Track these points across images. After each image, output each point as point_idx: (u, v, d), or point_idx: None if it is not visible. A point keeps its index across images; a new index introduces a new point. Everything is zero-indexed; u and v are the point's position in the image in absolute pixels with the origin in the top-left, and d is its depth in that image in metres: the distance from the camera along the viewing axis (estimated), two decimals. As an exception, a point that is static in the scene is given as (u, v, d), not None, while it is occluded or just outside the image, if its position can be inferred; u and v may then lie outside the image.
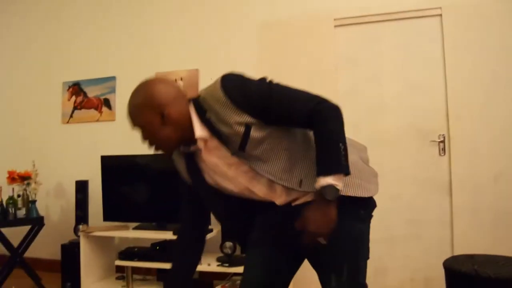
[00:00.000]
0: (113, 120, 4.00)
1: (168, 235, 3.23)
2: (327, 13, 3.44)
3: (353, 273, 1.49)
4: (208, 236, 3.16)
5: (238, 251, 3.28)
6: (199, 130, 1.45)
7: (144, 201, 3.56)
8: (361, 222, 1.53)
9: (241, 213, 1.66)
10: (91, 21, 4.15)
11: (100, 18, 4.12)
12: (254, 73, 3.75)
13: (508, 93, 3.09)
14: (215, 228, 3.27)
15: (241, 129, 1.40)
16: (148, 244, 3.41)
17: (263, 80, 1.47)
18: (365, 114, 3.38)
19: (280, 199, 1.54)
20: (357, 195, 1.47)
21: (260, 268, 1.59)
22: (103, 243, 3.53)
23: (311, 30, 3.48)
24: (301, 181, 1.46)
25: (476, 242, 3.05)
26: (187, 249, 1.73)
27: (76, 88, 4.14)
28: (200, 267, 3.12)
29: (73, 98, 4.14)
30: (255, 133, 1.41)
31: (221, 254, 3.20)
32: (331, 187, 1.32)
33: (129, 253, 3.34)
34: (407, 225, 3.25)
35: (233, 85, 1.41)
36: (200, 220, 1.76)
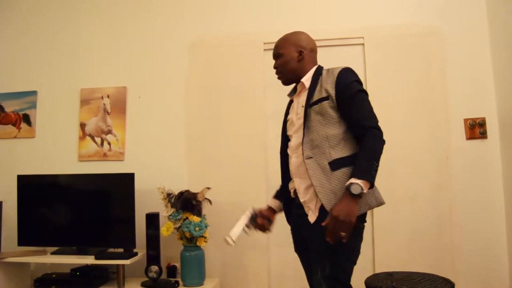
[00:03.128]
0: (33, 137, 3.77)
1: (90, 260, 3.09)
2: (257, 36, 3.52)
3: (335, 269, 1.80)
4: (133, 260, 3.06)
5: (164, 275, 3.20)
6: (306, 79, 1.99)
7: (64, 224, 3.37)
8: (360, 227, 1.86)
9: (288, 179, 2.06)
10: (13, 31, 3.91)
11: (23, 28, 3.90)
12: (183, 92, 3.75)
13: (423, 118, 3.31)
14: (140, 252, 3.17)
15: (322, 95, 1.88)
16: (67, 270, 3.22)
17: (360, 86, 1.91)
18: None
19: (292, 161, 1.98)
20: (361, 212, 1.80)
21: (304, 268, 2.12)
22: (17, 270, 3.28)
23: (241, 52, 3.54)
24: (311, 157, 1.85)
25: (395, 259, 3.20)
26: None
27: (-9, 102, 3.86)
28: (124, 293, 3.01)
29: (-12, 112, 3.86)
30: (325, 104, 1.86)
31: (146, 279, 3.10)
32: (358, 185, 1.67)
33: (46, 280, 3.14)
34: (332, 244, 3.34)
35: (347, 74, 1.91)
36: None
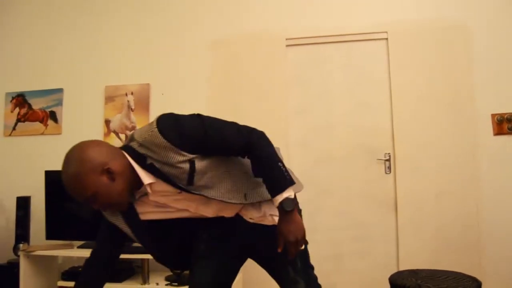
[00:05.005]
0: (59, 133, 3.86)
1: (115, 254, 3.14)
2: (279, 33, 3.52)
3: (304, 259, 1.71)
4: (157, 254, 3.09)
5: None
6: (146, 177, 1.50)
7: (90, 218, 3.43)
8: (299, 213, 1.65)
9: (177, 239, 1.76)
10: (39, 30, 4.00)
11: (48, 28, 3.99)
12: (205, 89, 3.77)
13: (449, 114, 3.26)
14: (164, 246, 3.20)
15: (187, 166, 1.49)
16: (93, 263, 3.28)
17: (193, 116, 1.57)
18: (314, 132, 3.45)
19: (229, 213, 1.70)
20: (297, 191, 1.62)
21: (208, 277, 1.71)
22: (45, 263, 3.36)
23: (263, 49, 3.53)
24: (245, 194, 1.61)
25: (420, 256, 3.16)
26: (95, 272, 1.80)
27: (20, 100, 3.96)
28: (148, 287, 3.05)
29: (17, 109, 3.96)
30: (199, 166, 1.51)
31: (170, 273, 3.14)
32: (287, 200, 1.49)
33: (73, 273, 3.20)
34: (354, 241, 3.33)
35: (169, 127, 1.47)
36: (112, 253, 1.81)
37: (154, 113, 3.69)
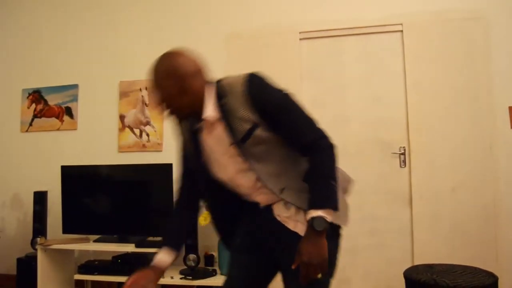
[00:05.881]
0: (75, 129, 3.90)
1: (130, 248, 3.17)
2: (292, 26, 3.49)
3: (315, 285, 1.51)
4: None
5: (202, 264, 3.25)
6: (210, 111, 1.52)
7: (106, 213, 3.47)
8: (331, 242, 1.53)
9: (225, 203, 1.73)
10: (54, 27, 4.05)
11: (63, 24, 4.02)
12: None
13: (465, 107, 3.21)
14: (179, 240, 3.22)
15: (248, 125, 1.49)
16: (109, 257, 3.32)
17: (283, 91, 1.54)
18: (329, 125, 3.33)
19: (261, 199, 1.61)
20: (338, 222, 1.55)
21: (239, 273, 1.70)
22: (62, 257, 3.41)
23: (277, 42, 3.52)
24: (283, 189, 1.54)
25: (435, 251, 3.13)
26: (178, 219, 1.76)
27: (36, 96, 4.01)
28: (163, 280, 3.07)
29: (33, 106, 4.01)
30: (258, 133, 1.49)
31: (184, 267, 3.16)
32: (320, 218, 1.41)
33: (89, 266, 3.25)
34: (369, 235, 3.30)
35: (257, 84, 1.50)
36: (194, 193, 1.77)
37: (168, 108, 3.70)
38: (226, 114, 1.51)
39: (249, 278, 1.69)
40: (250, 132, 1.49)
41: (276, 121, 1.49)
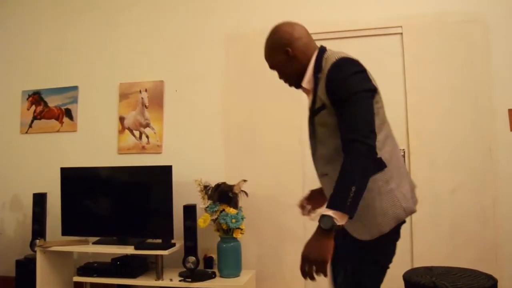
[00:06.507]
0: (75, 131, 3.90)
1: (129, 250, 3.17)
2: (292, 28, 3.49)
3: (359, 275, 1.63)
4: (171, 250, 3.12)
5: (201, 266, 3.24)
6: (306, 82, 1.69)
7: (105, 215, 3.47)
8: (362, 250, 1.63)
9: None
10: (54, 29, 4.05)
11: (63, 26, 4.03)
12: (219, 85, 3.76)
13: (465, 109, 3.20)
14: (178, 243, 3.22)
15: (319, 104, 1.61)
16: (108, 259, 3.32)
17: (359, 86, 1.55)
18: None
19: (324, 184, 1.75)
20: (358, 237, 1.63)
21: None
22: (61, 259, 3.41)
23: (277, 44, 3.51)
24: (325, 175, 1.68)
25: (434, 253, 3.12)
26: None
27: (36, 97, 4.01)
28: (162, 283, 3.08)
29: (33, 107, 4.01)
30: (324, 114, 1.60)
31: (183, 269, 3.16)
32: (329, 217, 1.40)
33: (88, 268, 3.25)
34: (369, 237, 3.29)
35: (337, 71, 1.57)
36: None
37: (168, 110, 3.71)
38: (315, 87, 1.64)
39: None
40: (318, 110, 1.62)
41: (338, 110, 1.55)
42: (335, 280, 1.74)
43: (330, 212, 1.40)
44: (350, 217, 1.42)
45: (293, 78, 1.74)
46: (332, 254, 1.44)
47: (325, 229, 1.40)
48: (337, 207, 1.40)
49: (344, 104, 1.52)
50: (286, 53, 1.69)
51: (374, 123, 1.53)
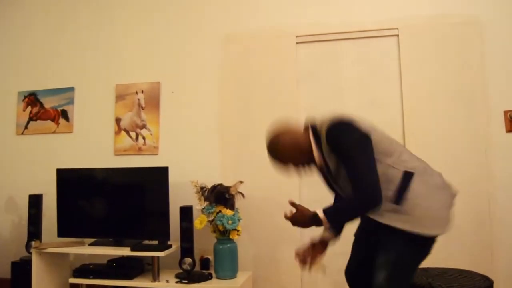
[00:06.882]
0: (71, 132, 3.89)
1: (126, 251, 3.16)
2: (289, 30, 3.50)
3: (400, 266, 1.94)
4: (167, 252, 3.12)
5: (197, 267, 3.24)
6: (317, 157, 1.95)
7: (101, 216, 3.46)
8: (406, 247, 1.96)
9: None
10: (50, 30, 4.04)
11: (58, 27, 4.02)
12: (216, 86, 3.75)
13: (461, 110, 3.22)
14: (174, 244, 3.22)
15: (333, 164, 1.91)
16: (104, 261, 3.31)
17: (356, 138, 1.85)
18: None
19: None
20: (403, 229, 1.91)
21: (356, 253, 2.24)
22: (57, 260, 3.40)
23: (273, 45, 3.53)
24: None
25: (430, 254, 3.12)
26: None
27: (32, 98, 4.00)
28: (159, 284, 3.07)
29: (29, 108, 4.00)
30: (341, 169, 1.88)
31: (180, 271, 3.15)
32: (319, 211, 1.85)
33: (84, 270, 3.24)
34: (366, 239, 3.30)
35: (333, 134, 1.86)
36: None
37: (165, 111, 3.71)
38: (324, 157, 1.92)
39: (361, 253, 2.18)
40: (337, 172, 1.91)
41: (343, 164, 1.85)
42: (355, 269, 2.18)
43: (320, 211, 1.84)
44: (331, 223, 1.90)
45: (305, 162, 2.01)
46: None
47: (317, 217, 1.83)
48: (328, 214, 1.84)
49: (344, 159, 1.84)
50: (292, 152, 1.99)
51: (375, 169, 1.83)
